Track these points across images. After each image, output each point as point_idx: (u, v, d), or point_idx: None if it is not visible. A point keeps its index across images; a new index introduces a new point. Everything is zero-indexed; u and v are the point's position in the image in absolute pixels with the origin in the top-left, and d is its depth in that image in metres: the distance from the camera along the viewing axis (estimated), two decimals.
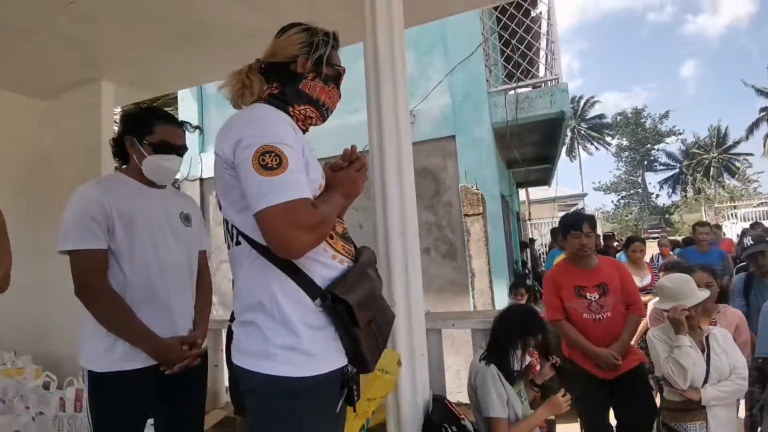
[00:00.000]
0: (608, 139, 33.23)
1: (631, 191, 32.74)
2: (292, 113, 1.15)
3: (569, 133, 33.75)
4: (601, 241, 6.30)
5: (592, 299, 2.42)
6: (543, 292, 2.67)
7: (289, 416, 0.99)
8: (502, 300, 3.98)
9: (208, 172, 6.27)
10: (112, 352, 1.36)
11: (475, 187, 4.04)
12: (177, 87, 4.71)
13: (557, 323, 2.53)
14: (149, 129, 1.48)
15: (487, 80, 4.47)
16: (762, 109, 24.69)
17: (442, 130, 4.66)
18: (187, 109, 6.65)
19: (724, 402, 1.83)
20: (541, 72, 4.40)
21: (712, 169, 28.45)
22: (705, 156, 29.37)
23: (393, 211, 1.97)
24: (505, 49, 4.67)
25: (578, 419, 2.63)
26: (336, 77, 1.20)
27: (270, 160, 0.95)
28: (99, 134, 3.58)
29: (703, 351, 1.90)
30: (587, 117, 33.17)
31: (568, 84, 4.30)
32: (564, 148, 33.71)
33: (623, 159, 33.08)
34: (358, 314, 1.02)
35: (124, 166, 1.56)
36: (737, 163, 28.31)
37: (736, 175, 27.05)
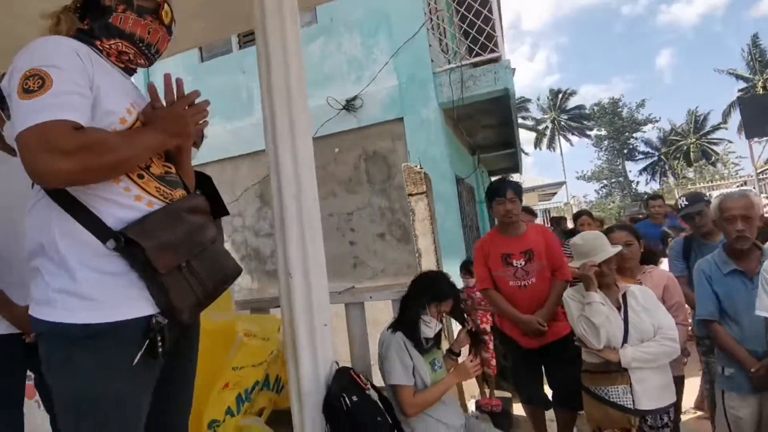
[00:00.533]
0: (587, 130, 33.55)
1: (613, 180, 33.07)
2: (100, 47, 1.06)
3: (549, 125, 34.04)
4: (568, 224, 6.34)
5: (518, 266, 2.36)
6: (473, 262, 2.60)
7: (71, 367, 0.89)
8: (456, 281, 3.92)
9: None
10: None
11: (418, 166, 3.97)
12: None
13: (485, 292, 2.48)
14: None
15: (432, 60, 4.40)
16: (740, 90, 25.09)
17: (390, 112, 4.59)
18: None
19: (651, 365, 1.73)
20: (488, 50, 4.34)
21: (691, 154, 28.82)
22: (683, 142, 29.76)
23: (286, 177, 1.87)
24: (448, 28, 4.61)
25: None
26: (155, 9, 1.10)
27: (32, 84, 0.85)
28: None
29: (619, 309, 1.82)
30: (566, 108, 33.43)
31: (510, 61, 4.25)
32: (545, 140, 34.02)
33: (603, 148, 33.41)
34: (155, 258, 0.93)
35: None
36: (715, 148, 28.72)
37: (717, 159, 27.40)
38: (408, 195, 3.68)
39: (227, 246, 5.48)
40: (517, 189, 2.42)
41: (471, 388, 3.59)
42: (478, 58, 4.25)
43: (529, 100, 31.66)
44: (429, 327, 1.83)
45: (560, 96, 33.44)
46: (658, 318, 1.78)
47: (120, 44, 1.08)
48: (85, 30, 1.07)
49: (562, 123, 33.48)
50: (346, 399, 1.68)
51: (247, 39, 5.71)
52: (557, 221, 6.01)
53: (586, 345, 1.80)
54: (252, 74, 5.60)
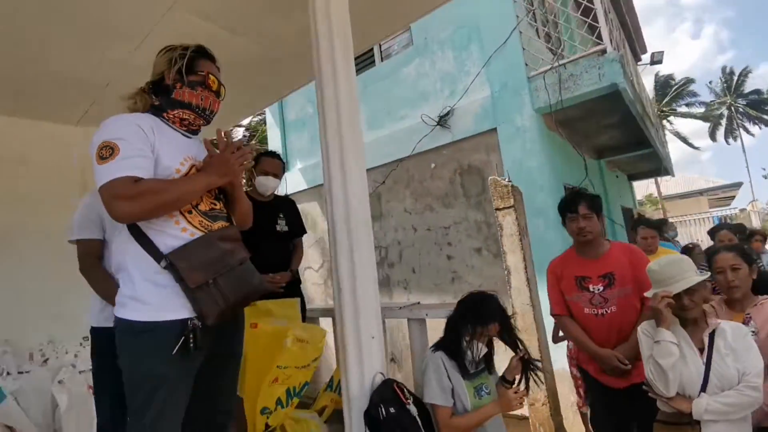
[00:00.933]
0: None
1: None
2: (167, 117, 1.40)
3: (725, 112, 27.78)
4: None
5: (595, 292, 2.09)
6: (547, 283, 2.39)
7: (132, 351, 1.21)
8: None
9: (293, 188, 7.04)
10: (103, 312, 1.75)
11: (506, 179, 3.76)
12: (240, 117, 5.53)
13: (558, 318, 2.25)
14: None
15: (526, 64, 4.18)
16: None
17: (483, 124, 4.48)
18: (272, 134, 7.63)
19: (726, 417, 1.40)
20: (596, 44, 3.91)
21: None
22: None
23: (337, 202, 2.07)
24: (544, 27, 4.30)
25: None
26: (202, 81, 1.41)
27: (105, 152, 1.20)
28: None
29: (702, 350, 1.51)
30: (744, 92, 26.83)
31: (620, 53, 3.74)
32: (721, 130, 27.64)
33: None
34: (187, 276, 1.20)
35: None
36: None
37: None
38: (495, 210, 3.55)
39: (315, 255, 5.97)
40: (594, 203, 2.16)
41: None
42: (579, 55, 3.87)
43: (692, 81, 25.95)
44: (471, 349, 1.78)
45: (736, 77, 27.08)
46: (746, 362, 1.43)
47: (181, 113, 1.42)
48: (155, 105, 1.43)
49: (740, 109, 27.01)
50: (383, 410, 1.76)
51: (358, 68, 6.25)
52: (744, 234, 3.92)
53: (654, 391, 1.51)
54: (362, 101, 6.10)
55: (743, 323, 1.84)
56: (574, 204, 2.15)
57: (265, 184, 2.44)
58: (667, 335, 1.49)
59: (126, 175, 1.19)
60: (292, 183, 7.08)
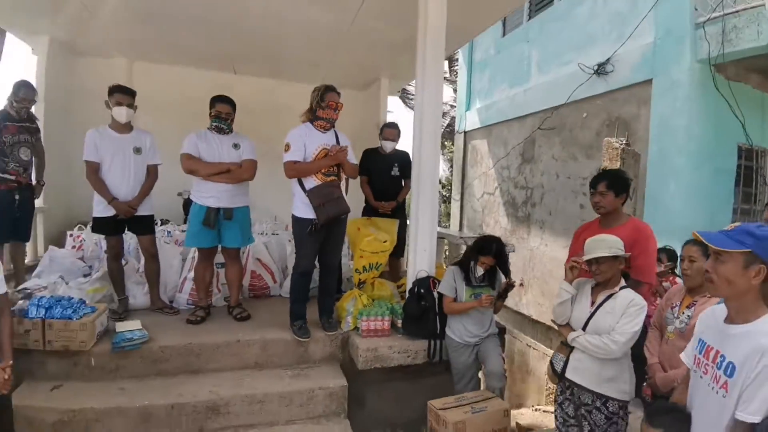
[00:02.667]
0: None
1: None
2: (315, 124, 2.89)
3: None
4: None
5: None
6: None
7: (297, 227, 2.88)
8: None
9: (470, 126, 7.97)
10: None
11: (620, 141, 3.70)
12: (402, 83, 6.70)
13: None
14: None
15: (696, 8, 3.73)
16: None
17: (640, 74, 4.27)
18: (461, 73, 8.47)
19: (591, 352, 2.02)
20: None
21: None
22: None
23: (416, 161, 3.24)
24: None
25: None
26: (328, 105, 2.81)
27: (286, 147, 2.79)
28: (378, 113, 6.11)
29: (593, 304, 2.11)
30: None
31: None
32: None
33: None
34: (311, 200, 2.74)
35: None
36: None
37: None
38: (603, 170, 3.79)
39: (495, 194, 6.82)
40: (613, 183, 2.51)
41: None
42: (742, 7, 3.27)
43: None
44: (473, 269, 2.77)
45: None
46: (619, 324, 1.96)
47: (321, 122, 2.87)
48: (311, 118, 2.91)
49: None
50: (419, 289, 3.04)
51: (538, 7, 6.30)
52: None
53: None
54: (534, 43, 6.27)
55: (688, 306, 2.18)
56: (596, 181, 2.59)
57: (385, 145, 3.78)
58: (565, 285, 2.13)
59: (290, 160, 2.76)
60: (470, 121, 7.98)
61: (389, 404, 2.97)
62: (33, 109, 3.67)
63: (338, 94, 2.88)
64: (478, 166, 7.71)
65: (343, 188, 3.07)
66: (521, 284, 6.08)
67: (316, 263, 3.03)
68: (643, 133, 4.32)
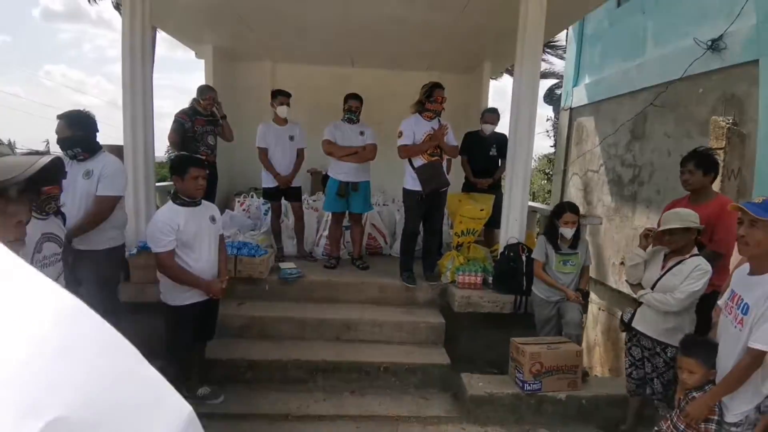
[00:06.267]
0: None
1: None
2: (423, 115, 3.59)
3: None
4: None
5: None
6: None
7: (406, 197, 3.64)
8: None
9: (577, 102, 7.83)
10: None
11: (725, 120, 3.56)
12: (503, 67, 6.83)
13: None
14: None
15: None
16: None
17: (748, 53, 4.06)
18: (570, 49, 8.24)
19: (653, 306, 2.41)
20: None
21: None
22: None
23: (511, 148, 3.73)
24: None
25: None
26: (435, 99, 3.46)
27: (398, 134, 3.54)
28: (480, 96, 6.57)
29: (663, 268, 2.45)
30: None
31: None
32: None
33: None
34: (419, 175, 3.46)
35: None
36: None
37: None
38: (708, 149, 3.79)
39: (600, 172, 6.80)
40: (702, 162, 2.73)
41: None
42: None
43: None
44: (557, 234, 3.20)
45: None
46: (683, 285, 2.31)
47: (429, 113, 3.54)
48: (419, 107, 3.58)
49: None
50: (508, 252, 3.60)
51: None
52: None
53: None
54: (651, 14, 5.98)
55: None
56: (685, 161, 2.84)
57: (485, 128, 4.29)
58: (638, 250, 2.50)
59: (403, 144, 3.49)
60: (577, 98, 7.84)
61: (478, 345, 3.62)
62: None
63: (443, 88, 3.49)
64: (583, 143, 7.62)
65: (444, 167, 3.70)
66: (622, 263, 6.08)
67: (420, 229, 3.77)
68: (753, 113, 4.11)
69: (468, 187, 4.46)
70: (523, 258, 3.53)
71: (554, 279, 3.20)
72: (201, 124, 4.64)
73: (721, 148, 3.68)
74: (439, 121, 3.60)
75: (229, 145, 5.90)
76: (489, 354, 3.58)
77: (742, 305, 1.70)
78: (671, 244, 2.44)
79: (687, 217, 2.40)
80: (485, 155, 4.32)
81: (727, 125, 3.64)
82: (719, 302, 1.96)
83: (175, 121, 4.20)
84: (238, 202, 5.36)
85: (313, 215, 4.66)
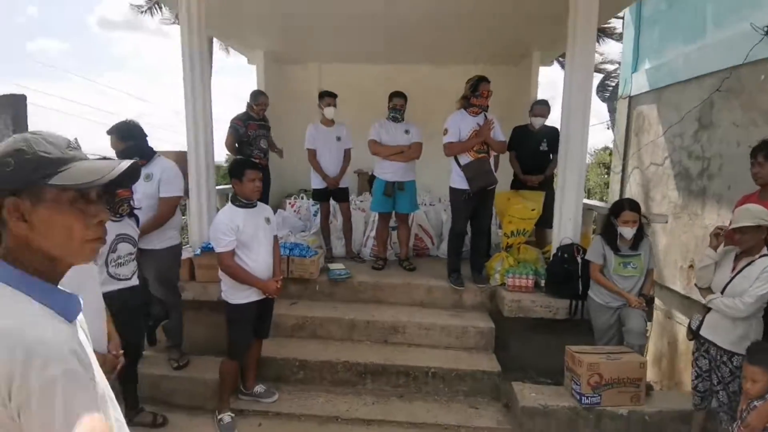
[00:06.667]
0: None
1: None
2: (468, 110, 3.49)
3: None
4: None
5: None
6: None
7: (452, 199, 3.56)
8: None
9: (636, 90, 7.30)
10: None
11: None
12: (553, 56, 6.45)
13: None
14: None
15: None
16: None
17: None
18: (627, 33, 7.67)
19: (722, 311, 2.21)
20: None
21: None
22: None
23: (564, 141, 3.55)
24: None
25: None
26: (480, 94, 3.34)
27: (444, 131, 3.47)
28: (529, 88, 6.31)
29: (733, 270, 2.22)
30: None
31: None
32: None
33: None
34: (466, 173, 3.37)
35: None
36: None
37: None
38: None
39: (664, 165, 6.31)
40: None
41: None
42: None
43: None
44: (615, 232, 2.98)
45: None
46: (752, 287, 2.08)
47: (475, 108, 3.43)
48: (464, 102, 3.48)
49: None
50: (562, 254, 3.43)
51: None
52: None
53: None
54: None
55: None
56: (755, 152, 2.56)
57: (534, 122, 4.09)
58: (709, 251, 2.27)
59: (448, 141, 3.40)
60: (636, 84, 7.29)
61: (531, 352, 3.48)
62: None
63: (488, 82, 3.37)
64: (644, 134, 7.09)
65: (492, 164, 3.58)
66: (691, 266, 5.61)
67: (468, 229, 3.67)
68: None
69: (517, 185, 4.28)
70: (578, 260, 3.35)
71: (613, 283, 3.00)
72: (254, 128, 4.81)
73: None
74: (485, 116, 3.48)
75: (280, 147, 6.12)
76: (542, 362, 3.44)
77: None
78: (742, 244, 2.22)
79: (759, 213, 2.17)
80: (535, 150, 4.12)
81: None
82: None
83: (231, 127, 4.40)
84: (289, 203, 5.52)
85: (361, 216, 4.70)
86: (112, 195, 2.33)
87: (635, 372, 2.68)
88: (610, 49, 12.89)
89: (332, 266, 3.87)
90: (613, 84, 9.09)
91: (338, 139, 4.10)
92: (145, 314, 2.90)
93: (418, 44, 5.73)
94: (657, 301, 5.83)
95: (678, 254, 6.03)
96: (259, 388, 2.97)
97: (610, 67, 13.06)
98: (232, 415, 2.74)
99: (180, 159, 4.04)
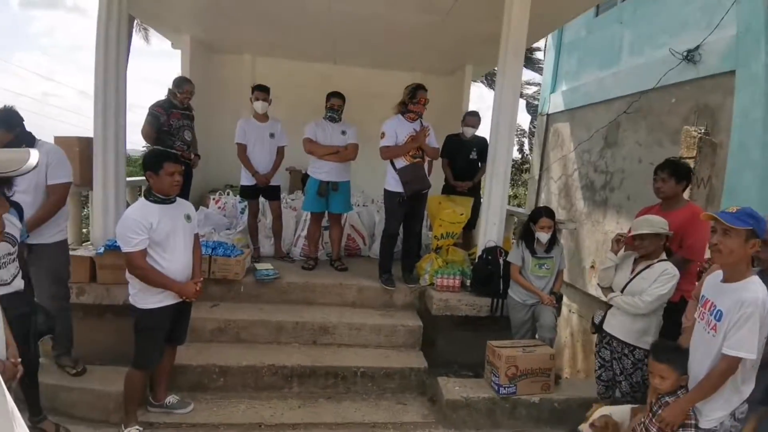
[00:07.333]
0: None
1: None
2: (405, 116, 3.56)
3: None
4: None
5: None
6: None
7: (387, 201, 3.61)
8: None
9: (553, 109, 8.00)
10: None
11: (696, 130, 3.72)
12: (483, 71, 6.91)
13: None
14: None
15: None
16: None
17: (725, 64, 4.21)
18: (548, 57, 8.41)
19: (622, 308, 2.49)
20: None
21: None
22: None
23: (493, 134, 3.73)
24: None
25: None
26: (418, 101, 3.44)
27: (381, 136, 3.50)
28: (461, 99, 6.58)
29: (632, 272, 2.53)
30: None
31: None
32: None
33: None
34: (401, 177, 3.43)
35: None
36: None
37: None
38: (680, 158, 3.92)
39: (574, 177, 6.92)
40: (675, 171, 2.81)
41: None
42: None
43: None
44: (533, 238, 3.23)
45: None
46: (650, 288, 2.40)
47: (412, 114, 3.51)
48: (402, 107, 3.55)
49: None
50: (487, 256, 3.61)
51: None
52: None
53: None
54: (628, 25, 6.16)
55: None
56: (659, 169, 2.91)
57: (466, 131, 4.32)
58: (610, 255, 2.57)
59: (385, 145, 3.45)
60: (554, 104, 8.00)
61: (455, 347, 3.63)
62: None
63: (426, 90, 3.48)
64: (558, 149, 7.79)
65: (426, 169, 3.69)
66: (592, 266, 6.26)
67: (401, 230, 3.74)
68: (726, 123, 4.28)
69: (448, 190, 4.47)
70: (501, 261, 3.57)
71: (530, 282, 3.25)
72: (177, 117, 4.46)
73: (692, 157, 3.82)
74: (421, 122, 3.58)
75: (204, 141, 5.73)
76: (465, 356, 3.60)
77: (715, 312, 1.75)
78: (641, 249, 2.51)
79: (657, 223, 2.48)
80: (466, 158, 4.33)
81: (699, 135, 3.79)
82: (689, 306, 2.02)
83: (150, 114, 4.04)
84: (213, 199, 5.20)
85: (292, 215, 4.57)
86: None
87: (546, 363, 2.91)
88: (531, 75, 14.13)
89: (259, 266, 3.72)
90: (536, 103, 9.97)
91: (272, 135, 3.95)
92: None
93: (358, 47, 5.75)
94: (564, 298, 6.42)
95: (583, 256, 6.72)
96: (171, 399, 2.74)
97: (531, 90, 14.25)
98: (140, 429, 2.50)
99: (85, 146, 3.64)
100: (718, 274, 1.85)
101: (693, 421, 1.81)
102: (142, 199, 2.49)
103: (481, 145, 4.28)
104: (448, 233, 3.92)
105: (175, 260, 2.46)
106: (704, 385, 1.75)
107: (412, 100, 3.47)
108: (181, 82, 4.38)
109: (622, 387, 2.57)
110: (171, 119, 4.33)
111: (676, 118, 5.05)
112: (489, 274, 3.55)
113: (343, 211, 4.06)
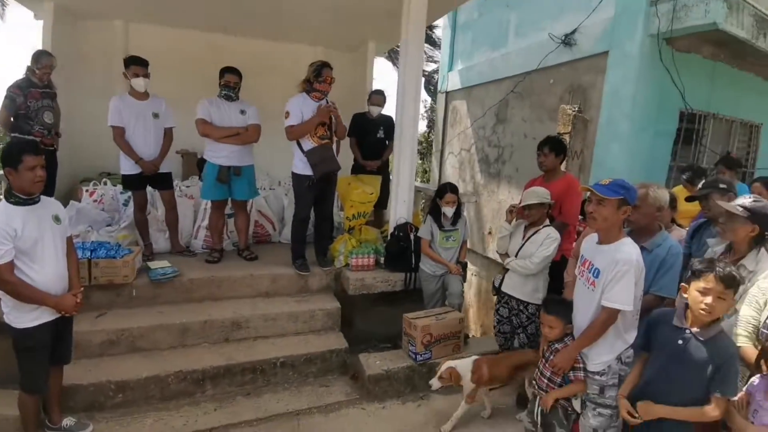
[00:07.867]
0: None
1: None
2: (311, 95, 3.36)
3: None
4: None
5: None
6: None
7: (296, 184, 3.45)
8: None
9: (451, 87, 8.37)
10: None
11: (573, 108, 4.27)
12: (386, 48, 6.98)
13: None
14: None
15: None
16: None
17: (600, 45, 4.74)
18: (445, 34, 8.72)
19: (517, 271, 2.80)
20: None
21: None
22: None
23: (398, 119, 3.75)
24: None
25: None
26: (324, 80, 3.27)
27: (285, 115, 3.28)
28: (365, 76, 6.46)
29: (523, 237, 2.81)
30: None
31: None
32: None
33: None
34: (310, 159, 3.28)
35: None
36: None
37: None
38: (557, 133, 4.39)
39: (471, 151, 7.35)
40: (555, 146, 3.16)
41: None
42: None
43: None
44: (440, 213, 3.39)
45: None
46: (538, 251, 2.72)
47: (317, 93, 3.33)
48: (306, 89, 3.36)
49: None
50: (398, 232, 3.68)
51: None
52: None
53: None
54: (514, 7, 6.60)
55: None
56: (541, 145, 3.22)
57: (372, 110, 4.27)
58: (505, 224, 2.87)
59: (289, 125, 3.25)
60: (452, 82, 8.37)
61: (373, 324, 3.71)
62: None
63: (331, 68, 3.34)
64: (457, 125, 8.21)
65: (334, 150, 3.59)
66: (489, 233, 6.84)
67: (312, 213, 3.63)
68: (597, 100, 4.88)
69: (357, 169, 4.43)
70: (412, 237, 3.68)
71: (438, 255, 3.41)
72: (36, 97, 3.79)
73: (567, 133, 4.30)
74: (327, 101, 3.45)
75: (71, 123, 4.87)
76: (383, 330, 3.70)
77: (593, 269, 2.00)
78: (530, 218, 2.81)
79: (542, 194, 2.79)
80: (373, 137, 4.32)
81: (573, 112, 4.26)
82: (570, 263, 2.31)
83: (6, 97, 3.54)
84: (87, 191, 4.45)
85: (188, 204, 4.14)
86: None
87: (456, 327, 3.14)
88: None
89: (153, 265, 3.32)
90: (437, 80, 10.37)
91: (155, 116, 3.47)
92: None
93: (252, 15, 5.27)
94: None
95: (482, 224, 7.30)
96: (67, 422, 2.39)
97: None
98: None
99: None
100: (594, 236, 2.11)
101: (581, 365, 2.08)
102: (2, 201, 2.08)
103: (388, 123, 4.30)
104: (359, 213, 3.91)
105: (46, 271, 2.11)
106: (588, 334, 2.01)
107: (318, 79, 3.31)
108: (39, 56, 3.78)
109: (521, 338, 2.88)
110: (29, 100, 3.74)
111: (553, 98, 5.63)
112: (402, 250, 3.65)
113: (249, 197, 3.79)
